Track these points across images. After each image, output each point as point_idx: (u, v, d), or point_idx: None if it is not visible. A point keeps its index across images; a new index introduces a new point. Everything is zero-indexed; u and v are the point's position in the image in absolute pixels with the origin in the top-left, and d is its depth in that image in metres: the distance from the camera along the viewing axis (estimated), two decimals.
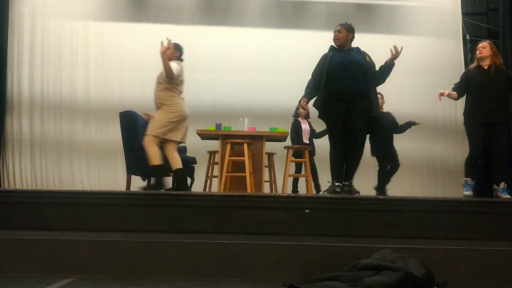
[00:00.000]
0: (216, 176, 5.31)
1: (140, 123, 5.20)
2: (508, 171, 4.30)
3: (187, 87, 7.17)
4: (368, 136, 4.29)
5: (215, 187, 5.36)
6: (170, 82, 4.24)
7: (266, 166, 5.42)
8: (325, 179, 4.41)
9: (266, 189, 5.44)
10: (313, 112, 4.39)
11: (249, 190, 4.75)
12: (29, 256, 2.70)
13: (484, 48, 4.30)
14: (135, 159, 5.02)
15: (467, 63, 6.98)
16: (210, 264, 2.66)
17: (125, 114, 5.13)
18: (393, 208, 3.24)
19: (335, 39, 4.14)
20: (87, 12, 7.35)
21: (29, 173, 7.12)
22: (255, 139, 5.09)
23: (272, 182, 5.58)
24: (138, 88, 7.18)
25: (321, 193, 4.12)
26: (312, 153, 5.81)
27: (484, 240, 3.00)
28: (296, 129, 5.84)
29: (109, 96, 7.16)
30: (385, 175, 5.57)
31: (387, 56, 4.13)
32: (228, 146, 4.87)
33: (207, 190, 5.45)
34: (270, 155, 5.64)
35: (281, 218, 3.19)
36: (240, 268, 2.65)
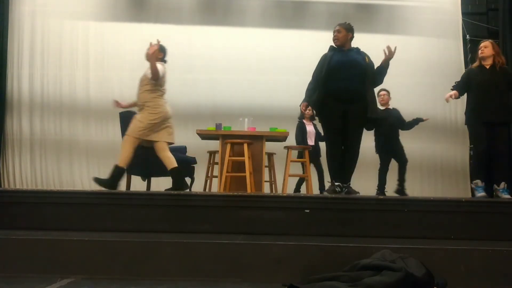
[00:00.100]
0: (216, 176, 5.31)
1: None
2: (508, 171, 4.30)
3: (187, 87, 7.26)
4: (373, 132, 4.28)
5: (215, 187, 5.36)
6: (155, 83, 4.25)
7: (266, 166, 5.42)
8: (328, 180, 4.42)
9: (266, 189, 5.44)
10: None
11: (249, 190, 4.75)
12: (29, 256, 2.70)
13: (486, 47, 4.29)
14: (135, 159, 5.02)
15: (467, 63, 6.99)
16: (210, 264, 2.65)
17: (125, 114, 5.12)
18: (393, 208, 3.23)
19: (334, 39, 4.15)
20: (87, 12, 7.36)
21: (29, 173, 7.12)
22: (255, 139, 5.09)
23: (272, 182, 5.58)
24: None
25: (324, 193, 4.13)
26: (318, 155, 5.82)
27: (484, 240, 2.99)
28: (301, 131, 5.86)
29: (109, 96, 7.13)
30: (400, 173, 5.60)
31: (385, 56, 4.13)
32: (228, 146, 4.87)
33: (207, 190, 5.45)
34: (270, 155, 5.64)
35: (281, 218, 3.19)
36: (240, 268, 2.65)
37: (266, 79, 7.15)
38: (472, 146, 5.27)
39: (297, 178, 5.89)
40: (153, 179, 5.37)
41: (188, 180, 5.63)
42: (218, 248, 2.71)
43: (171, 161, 4.26)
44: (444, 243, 2.81)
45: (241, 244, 2.74)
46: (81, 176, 7.07)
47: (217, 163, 5.29)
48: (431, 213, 3.21)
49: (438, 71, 7.05)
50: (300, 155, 5.59)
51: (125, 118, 5.07)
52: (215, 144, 5.43)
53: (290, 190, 5.08)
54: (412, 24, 7.34)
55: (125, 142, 4.24)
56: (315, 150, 5.79)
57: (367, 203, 3.29)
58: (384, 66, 4.11)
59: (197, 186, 5.75)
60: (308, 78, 4.29)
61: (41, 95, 7.27)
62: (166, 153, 4.28)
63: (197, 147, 5.99)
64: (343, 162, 4.10)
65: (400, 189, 5.62)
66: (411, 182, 5.85)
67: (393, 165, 5.77)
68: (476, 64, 4.40)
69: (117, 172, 4.22)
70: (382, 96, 5.71)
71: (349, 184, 4.11)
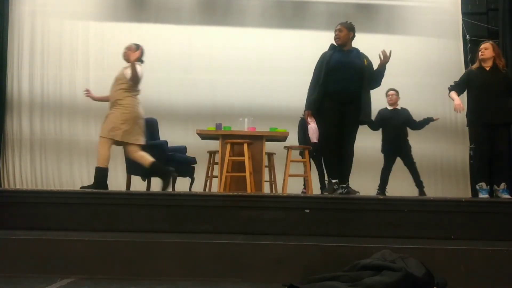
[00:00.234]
0: (216, 176, 5.31)
1: None
2: (508, 172, 4.31)
3: (187, 87, 7.25)
4: (372, 132, 4.27)
5: (215, 187, 5.35)
6: (131, 83, 4.30)
7: (266, 166, 5.42)
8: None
9: (266, 189, 5.44)
10: None
11: (249, 190, 4.75)
12: (29, 256, 2.70)
13: (486, 49, 4.30)
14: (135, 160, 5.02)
15: (467, 63, 6.98)
16: (210, 264, 2.65)
17: None
18: (393, 208, 3.23)
19: (336, 38, 4.16)
20: (87, 12, 7.35)
21: (29, 173, 7.12)
22: (255, 139, 5.09)
23: (272, 182, 5.58)
24: None
25: (324, 193, 4.14)
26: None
27: (484, 240, 2.99)
28: (303, 128, 5.84)
29: None
30: (415, 177, 5.59)
31: None
32: (228, 146, 4.87)
33: (207, 190, 5.45)
34: (270, 155, 5.64)
35: (281, 218, 3.19)
36: (240, 268, 2.65)
37: (266, 79, 7.15)
38: (472, 146, 5.29)
39: (297, 178, 5.89)
40: (153, 179, 5.37)
41: (188, 180, 5.65)
42: (218, 248, 2.71)
43: (146, 158, 4.33)
44: (444, 243, 2.81)
45: (241, 244, 2.74)
46: (81, 176, 7.07)
47: (217, 163, 5.29)
48: (431, 213, 3.22)
49: (438, 71, 7.05)
50: (303, 154, 5.58)
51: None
52: (215, 144, 5.43)
53: (290, 190, 5.08)
54: (412, 24, 7.34)
55: (100, 144, 4.29)
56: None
57: (367, 203, 3.29)
58: (381, 70, 4.13)
59: (197, 186, 5.76)
60: (308, 78, 4.29)
61: (41, 95, 7.27)
62: (138, 153, 4.34)
63: (197, 147, 5.99)
64: (338, 161, 4.12)
65: (422, 193, 5.60)
66: (411, 182, 5.85)
67: (395, 166, 5.75)
68: (476, 65, 4.40)
69: (100, 174, 4.26)
70: (390, 96, 5.68)
71: (348, 184, 4.12)
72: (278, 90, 7.03)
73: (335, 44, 4.20)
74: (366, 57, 4.17)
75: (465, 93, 4.50)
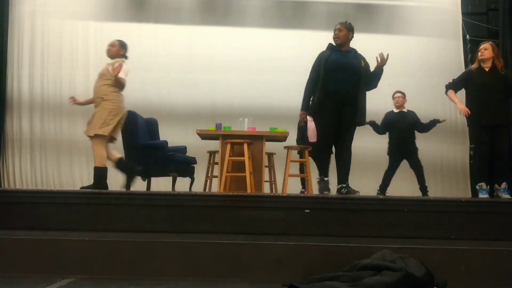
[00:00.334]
0: (216, 176, 5.31)
1: (140, 123, 5.21)
2: (509, 172, 4.32)
3: (187, 87, 7.25)
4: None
5: (215, 187, 5.35)
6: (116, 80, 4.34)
7: (266, 166, 5.42)
8: (333, 180, 4.42)
9: (266, 189, 5.44)
10: None
11: (249, 190, 4.75)
12: (29, 256, 2.70)
13: (486, 49, 4.31)
14: (135, 159, 5.03)
15: (467, 63, 6.98)
16: (210, 264, 2.65)
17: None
18: (393, 208, 3.24)
19: (335, 38, 4.16)
20: (87, 12, 7.35)
21: (29, 173, 7.11)
22: (255, 139, 5.09)
23: (272, 182, 5.58)
24: (138, 88, 7.17)
25: (325, 192, 4.15)
26: None
27: (484, 240, 3.00)
28: (301, 129, 5.85)
29: None
30: (420, 181, 5.56)
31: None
32: (228, 146, 4.87)
33: (207, 190, 5.45)
34: (270, 155, 5.64)
35: (281, 218, 3.19)
36: (240, 268, 2.65)
37: (266, 79, 7.15)
38: (472, 146, 5.28)
39: (297, 178, 5.89)
40: (153, 179, 5.38)
41: (188, 180, 5.65)
42: (218, 248, 2.71)
43: (113, 153, 4.42)
44: (444, 243, 2.81)
45: (241, 244, 2.74)
46: (81, 176, 7.07)
47: (217, 163, 5.29)
48: (431, 213, 3.22)
49: (438, 71, 7.04)
50: (301, 153, 5.58)
51: (125, 118, 5.07)
52: (215, 144, 5.43)
53: (290, 190, 5.08)
54: (412, 24, 7.33)
55: (94, 143, 4.33)
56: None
57: (367, 203, 3.29)
58: (378, 72, 4.14)
59: (197, 186, 5.76)
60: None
61: (41, 95, 7.27)
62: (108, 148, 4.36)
63: (197, 147, 5.99)
64: (338, 165, 4.13)
65: (383, 188, 5.61)
66: (411, 182, 5.85)
67: (400, 168, 5.74)
68: (475, 65, 4.40)
69: (99, 173, 4.27)
70: (397, 99, 5.66)
71: (348, 184, 4.12)
72: (278, 90, 7.03)
73: (333, 43, 4.20)
74: (364, 58, 4.18)
75: (464, 93, 4.52)
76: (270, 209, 3.23)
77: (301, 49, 6.95)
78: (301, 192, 5.44)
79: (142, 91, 7.13)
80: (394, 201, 3.43)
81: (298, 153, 5.63)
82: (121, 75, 4.31)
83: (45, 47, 7.33)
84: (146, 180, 5.28)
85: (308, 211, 3.17)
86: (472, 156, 6.56)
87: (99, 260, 2.68)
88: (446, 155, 7.16)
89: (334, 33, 4.17)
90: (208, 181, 5.48)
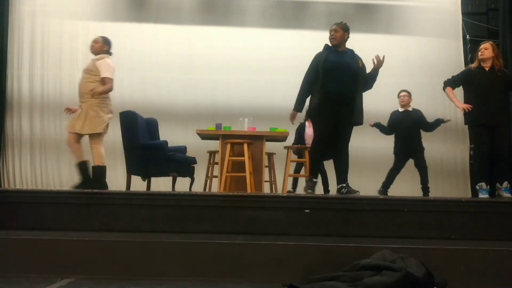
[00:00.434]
0: (216, 176, 5.31)
1: (140, 123, 5.21)
2: (509, 171, 4.32)
3: (187, 87, 7.25)
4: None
5: (215, 187, 5.35)
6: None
7: (266, 166, 5.42)
8: (333, 181, 4.43)
9: (266, 189, 5.44)
10: None
11: (249, 190, 4.75)
12: (29, 256, 2.70)
13: (486, 49, 4.31)
14: (135, 159, 5.03)
15: (467, 63, 6.98)
16: (210, 264, 2.66)
17: (125, 114, 5.13)
18: (393, 208, 3.24)
19: (331, 39, 4.16)
20: (87, 12, 7.35)
21: (29, 173, 7.11)
22: (255, 139, 5.09)
23: (272, 182, 5.59)
24: (138, 88, 7.18)
25: (309, 192, 4.15)
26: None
27: (484, 240, 3.00)
28: (299, 132, 5.88)
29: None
30: (423, 182, 5.55)
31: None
32: (228, 146, 4.87)
33: (207, 190, 5.45)
34: (270, 155, 5.64)
35: (281, 218, 3.19)
36: (240, 268, 2.65)
37: (266, 79, 7.15)
38: (472, 146, 5.29)
39: (296, 178, 5.90)
40: (153, 179, 5.37)
41: (188, 180, 5.65)
42: (218, 248, 2.71)
43: (102, 157, 4.37)
44: (444, 243, 2.81)
45: (241, 244, 2.75)
46: None
47: (217, 163, 5.29)
48: (431, 213, 3.22)
49: (438, 71, 7.03)
50: (297, 154, 5.61)
51: (125, 118, 5.08)
52: (215, 144, 5.43)
53: (298, 190, 5.09)
54: (412, 24, 7.33)
55: (93, 142, 4.31)
56: None
57: (367, 203, 3.29)
58: (373, 74, 4.14)
59: (197, 186, 5.76)
60: None
61: (41, 95, 7.26)
62: (102, 149, 4.36)
63: (197, 147, 5.99)
64: (337, 166, 4.13)
65: (385, 188, 5.61)
66: (411, 182, 5.85)
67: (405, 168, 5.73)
68: (475, 65, 4.40)
69: (101, 172, 4.27)
70: (402, 97, 5.65)
71: (348, 183, 4.12)
72: (278, 90, 7.02)
73: (329, 44, 4.19)
74: (360, 59, 4.18)
75: (462, 93, 4.52)
76: (270, 209, 3.23)
77: (301, 49, 6.93)
78: (289, 192, 5.42)
79: (142, 91, 7.14)
80: (394, 201, 3.43)
81: (295, 153, 5.65)
82: (107, 74, 4.29)
83: (45, 47, 7.33)
84: (146, 180, 5.28)
85: (308, 211, 3.17)
86: (472, 156, 6.57)
87: (99, 260, 2.68)
88: (446, 155, 7.15)
89: (330, 34, 4.17)
90: (208, 181, 5.48)
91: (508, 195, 4.09)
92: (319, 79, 4.04)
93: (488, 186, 4.22)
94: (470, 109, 4.23)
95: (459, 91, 4.59)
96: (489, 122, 4.19)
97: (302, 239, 2.87)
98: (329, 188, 5.69)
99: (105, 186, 4.37)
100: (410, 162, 5.66)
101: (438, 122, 5.66)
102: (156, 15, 7.41)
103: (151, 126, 5.57)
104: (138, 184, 5.57)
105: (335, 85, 4.00)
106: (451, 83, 4.47)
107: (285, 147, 5.38)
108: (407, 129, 5.54)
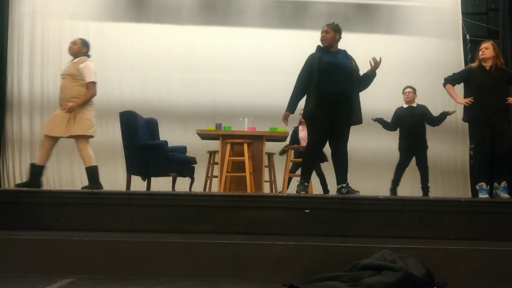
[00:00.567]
0: (216, 176, 5.32)
1: (140, 123, 5.21)
2: (509, 171, 4.33)
3: (187, 87, 7.25)
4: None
5: (215, 187, 5.36)
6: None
7: (266, 166, 5.42)
8: (333, 181, 4.42)
9: (266, 189, 5.45)
10: None
11: (249, 190, 4.75)
12: (29, 256, 2.70)
13: (487, 49, 4.31)
14: (135, 159, 5.03)
15: (467, 63, 6.99)
16: (210, 264, 2.66)
17: (125, 114, 5.13)
18: (393, 208, 3.24)
19: (322, 40, 4.13)
20: (87, 12, 7.36)
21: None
22: (255, 139, 5.09)
23: (272, 182, 5.59)
24: (138, 88, 7.19)
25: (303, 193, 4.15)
26: (323, 159, 5.73)
27: (484, 240, 3.00)
28: (293, 136, 5.93)
29: (109, 96, 7.17)
30: (423, 182, 5.51)
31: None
32: (228, 146, 4.87)
33: (207, 190, 5.45)
34: (270, 155, 5.64)
35: (281, 218, 3.19)
36: (240, 268, 2.65)
37: (266, 79, 7.15)
38: (472, 146, 5.28)
39: (297, 178, 5.90)
40: (153, 179, 5.37)
41: (188, 180, 5.65)
42: (218, 248, 2.71)
43: (92, 159, 4.41)
44: (444, 243, 2.81)
45: (241, 244, 2.74)
46: (81, 176, 7.05)
47: (217, 163, 5.29)
48: (431, 213, 3.22)
49: (438, 71, 7.02)
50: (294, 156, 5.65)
51: (125, 118, 5.08)
52: (215, 144, 5.43)
53: (290, 190, 5.09)
54: (412, 24, 7.34)
55: (81, 144, 4.36)
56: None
57: (367, 203, 3.29)
58: (371, 75, 4.12)
59: (197, 186, 5.76)
60: None
61: (41, 95, 7.27)
62: (90, 150, 4.42)
63: (197, 147, 5.99)
64: (336, 166, 4.13)
65: (395, 185, 5.58)
66: (411, 182, 5.85)
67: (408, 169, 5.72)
68: (475, 64, 4.40)
69: (95, 172, 4.34)
70: (407, 94, 5.61)
71: (348, 183, 4.11)
72: (278, 90, 6.99)
73: (321, 45, 4.18)
74: (354, 59, 4.17)
75: (462, 92, 4.52)
76: (270, 209, 3.23)
77: (301, 49, 6.85)
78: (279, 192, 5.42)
79: (142, 91, 7.14)
80: (394, 201, 3.43)
81: (281, 154, 5.69)
82: (92, 78, 4.34)
83: (45, 47, 7.34)
84: (146, 180, 5.27)
85: (308, 211, 3.17)
86: (472, 156, 6.57)
87: (99, 260, 2.68)
88: (446, 155, 7.16)
89: (321, 35, 4.15)
90: (208, 181, 5.48)
91: (505, 195, 4.08)
92: (313, 80, 4.01)
93: (488, 186, 4.22)
94: (471, 102, 4.23)
95: (460, 90, 4.59)
96: (489, 122, 4.19)
97: (302, 239, 2.86)
98: (329, 188, 5.70)
99: (100, 185, 4.38)
100: (414, 161, 5.64)
101: (444, 115, 5.60)
102: (156, 15, 7.42)
103: (151, 126, 5.57)
104: (138, 184, 5.57)
105: (331, 85, 3.97)
106: (451, 80, 4.47)
107: (285, 147, 5.39)
108: (412, 125, 5.51)
